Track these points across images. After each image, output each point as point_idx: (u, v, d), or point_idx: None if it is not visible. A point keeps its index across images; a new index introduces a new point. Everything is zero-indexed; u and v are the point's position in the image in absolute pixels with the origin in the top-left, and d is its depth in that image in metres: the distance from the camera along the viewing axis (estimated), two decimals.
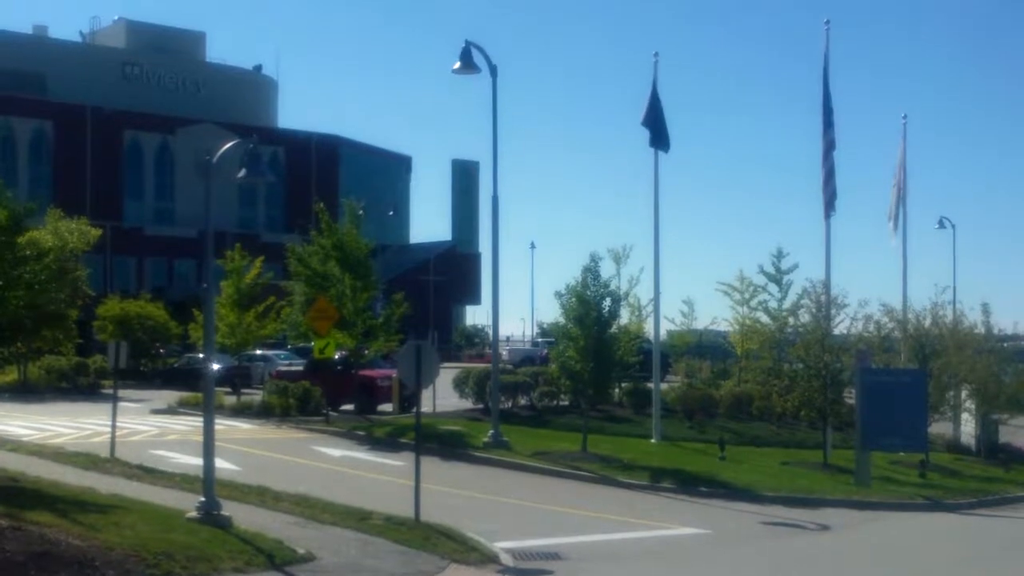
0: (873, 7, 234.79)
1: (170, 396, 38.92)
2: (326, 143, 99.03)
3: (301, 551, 14.25)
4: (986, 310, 37.56)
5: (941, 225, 52.32)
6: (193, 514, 15.42)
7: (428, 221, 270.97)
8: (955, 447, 37.39)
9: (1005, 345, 38.87)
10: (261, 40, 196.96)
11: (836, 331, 31.42)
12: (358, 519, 16.85)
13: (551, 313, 33.91)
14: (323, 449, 27.26)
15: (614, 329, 29.11)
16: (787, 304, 37.08)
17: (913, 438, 28.63)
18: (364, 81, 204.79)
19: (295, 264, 34.56)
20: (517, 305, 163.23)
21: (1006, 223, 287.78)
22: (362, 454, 26.94)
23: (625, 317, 36.86)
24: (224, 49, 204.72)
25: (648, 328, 37.34)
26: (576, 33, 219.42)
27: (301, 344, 42.93)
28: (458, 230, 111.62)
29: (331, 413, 33.58)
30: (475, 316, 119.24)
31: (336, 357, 35.34)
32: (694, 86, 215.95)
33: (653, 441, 31.31)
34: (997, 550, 19.94)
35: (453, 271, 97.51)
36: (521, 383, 35.26)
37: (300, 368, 40.01)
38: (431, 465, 22.36)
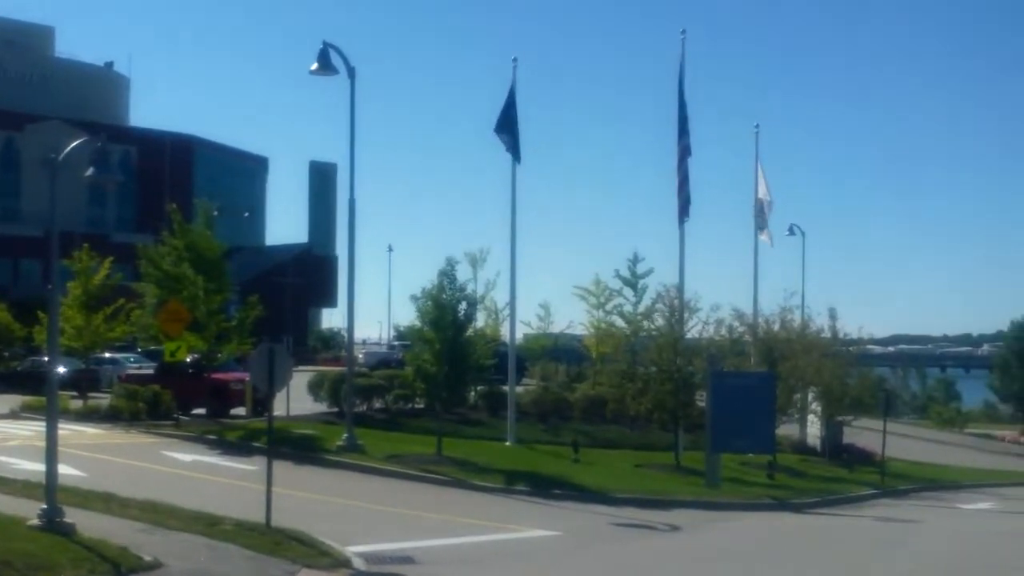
0: (728, 18, 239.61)
1: (13, 400, 37.73)
2: (180, 143, 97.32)
3: (148, 558, 13.92)
4: (833, 315, 38.64)
5: (791, 232, 53.44)
6: (35, 522, 14.95)
7: (285, 223, 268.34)
8: (802, 448, 38.36)
9: (850, 349, 39.93)
10: (114, 37, 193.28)
11: (689, 335, 31.98)
12: (207, 525, 16.53)
13: (407, 316, 33.81)
14: (173, 454, 26.73)
15: (470, 332, 29.15)
16: (642, 308, 37.60)
17: (762, 440, 29.28)
18: (221, 81, 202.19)
19: (146, 265, 33.88)
20: (374, 308, 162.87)
21: (853, 231, 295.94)
22: (213, 458, 26.48)
23: (481, 320, 37.06)
24: (75, 45, 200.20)
25: (504, 331, 37.53)
26: (436, 38, 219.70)
27: (152, 347, 42.08)
28: (315, 232, 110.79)
29: (182, 417, 32.96)
30: (332, 319, 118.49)
31: (188, 360, 34.69)
32: (553, 91, 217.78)
33: (508, 444, 31.42)
34: (837, 546, 20.44)
35: (310, 274, 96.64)
36: (376, 386, 35.06)
37: (150, 371, 39.15)
38: (284, 469, 22.09)
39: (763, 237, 42.27)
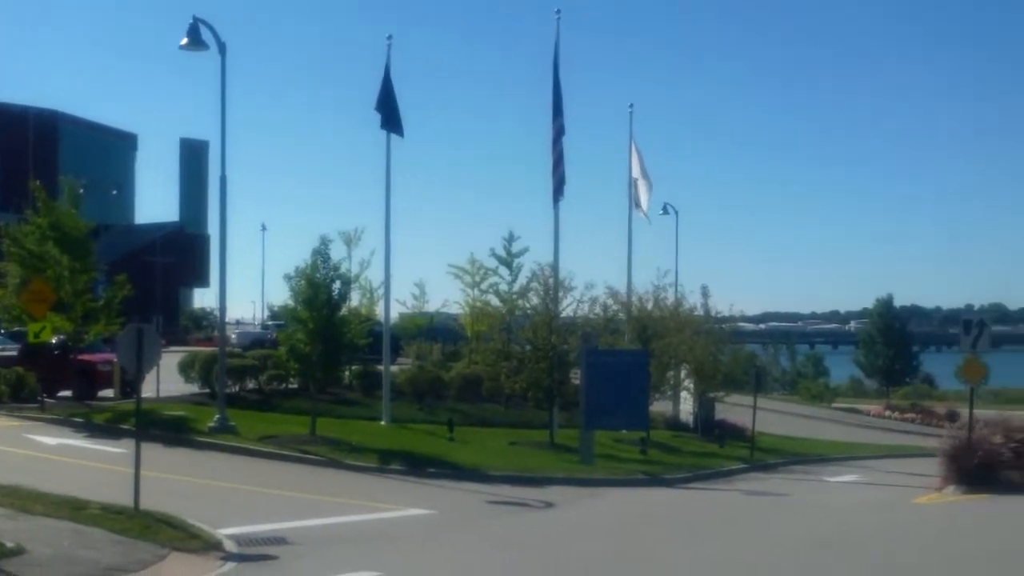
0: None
1: None
2: (44, 118, 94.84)
3: (10, 544, 13.53)
4: (705, 293, 39.25)
5: (665, 211, 54.00)
6: None
7: (156, 202, 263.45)
8: (675, 425, 38.88)
9: (723, 327, 40.57)
10: None
11: (564, 313, 32.11)
12: (73, 509, 16.14)
13: (281, 296, 33.42)
14: (37, 437, 26.04)
15: (344, 312, 28.93)
16: (517, 287, 37.70)
17: (635, 417, 29.56)
18: (89, 57, 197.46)
19: (9, 244, 32.90)
20: (248, 288, 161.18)
21: (725, 210, 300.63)
22: (80, 442, 25.88)
23: (356, 300, 36.78)
24: None
25: (379, 310, 37.28)
26: (310, 14, 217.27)
27: (16, 328, 40.92)
28: (186, 211, 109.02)
29: (47, 400, 32.12)
30: (204, 299, 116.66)
31: (53, 341, 33.82)
32: (429, 70, 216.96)
33: (383, 423, 31.28)
34: (706, 519, 20.77)
35: (181, 253, 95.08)
36: (249, 367, 34.57)
37: (14, 353, 38.09)
38: (153, 452, 21.71)
39: (640, 214, 42.63)
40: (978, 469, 26.27)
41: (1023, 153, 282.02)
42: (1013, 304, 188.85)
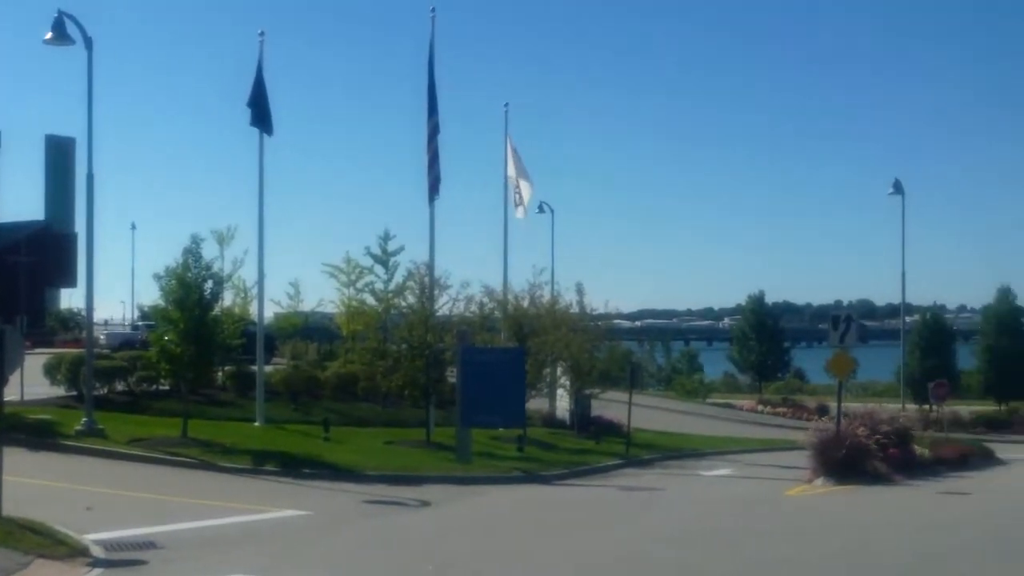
0: None
1: None
2: None
3: None
4: (580, 291, 39.47)
5: (541, 210, 54.20)
6: None
7: (20, 200, 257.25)
8: (551, 422, 39.04)
9: (598, 324, 40.84)
10: None
11: (440, 312, 32.02)
12: None
13: (152, 296, 32.79)
14: None
15: (216, 312, 28.46)
16: (393, 286, 37.45)
17: (512, 414, 29.60)
18: None
19: None
20: (117, 288, 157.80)
21: (602, 208, 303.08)
22: None
23: (229, 299, 36.12)
24: None
25: (253, 310, 36.77)
26: (181, 8, 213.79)
27: None
28: (52, 209, 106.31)
29: None
30: (71, 299, 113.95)
31: None
32: (304, 67, 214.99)
33: (257, 424, 30.91)
34: (582, 515, 20.88)
35: (47, 252, 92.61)
36: (119, 368, 33.84)
37: None
38: (17, 456, 21.08)
39: (518, 214, 42.68)
40: (846, 461, 26.89)
41: (888, 152, 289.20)
42: (880, 300, 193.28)
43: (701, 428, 46.51)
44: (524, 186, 42.50)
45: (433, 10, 33.01)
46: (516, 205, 42.49)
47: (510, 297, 38.12)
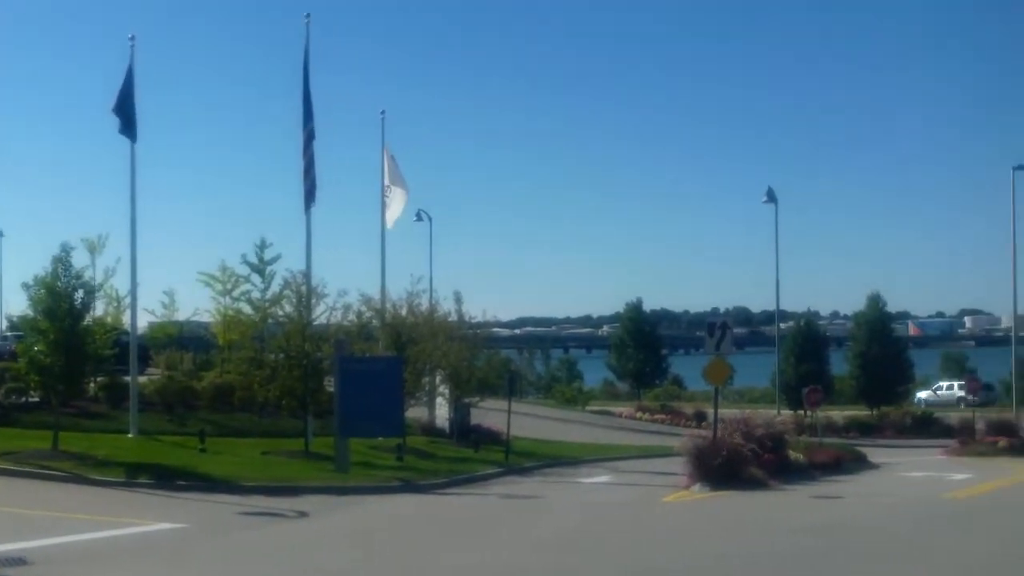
0: (355, 6, 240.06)
1: None
2: None
3: None
4: (458, 299, 39.47)
5: (419, 217, 54.18)
6: None
7: None
8: (431, 430, 38.98)
9: (477, 332, 40.90)
10: None
11: (317, 321, 31.82)
12: None
13: (20, 306, 32.02)
14: None
15: (88, 321, 27.92)
16: (270, 295, 37.00)
17: (390, 423, 29.49)
18: None
19: None
20: None
21: (482, 217, 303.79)
22: None
23: (101, 309, 35.54)
24: None
25: (126, 319, 36.08)
26: (51, 11, 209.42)
27: None
28: None
29: None
30: None
31: None
32: (178, 73, 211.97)
33: (130, 436, 30.34)
34: (460, 524, 20.83)
35: None
36: None
37: None
38: None
39: (388, 222, 42.46)
40: (722, 467, 27.20)
41: (764, 160, 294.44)
42: (756, 307, 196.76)
43: (580, 435, 46.76)
44: (398, 194, 42.25)
45: (307, 16, 32.83)
46: (388, 213, 42.21)
47: (388, 306, 38.01)
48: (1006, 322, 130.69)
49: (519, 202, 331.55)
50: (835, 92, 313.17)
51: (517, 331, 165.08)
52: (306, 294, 31.24)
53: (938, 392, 74.68)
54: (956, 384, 72.39)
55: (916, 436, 50.90)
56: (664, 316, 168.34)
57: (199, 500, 22.38)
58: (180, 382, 37.33)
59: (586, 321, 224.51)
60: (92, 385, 34.57)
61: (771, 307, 63.09)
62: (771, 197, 58.58)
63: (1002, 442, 43.43)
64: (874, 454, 39.12)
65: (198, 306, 46.57)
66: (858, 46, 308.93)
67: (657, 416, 59.54)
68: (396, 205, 42.22)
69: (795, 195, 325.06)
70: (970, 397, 59.81)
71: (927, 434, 51.01)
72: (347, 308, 33.24)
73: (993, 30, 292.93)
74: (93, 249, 32.61)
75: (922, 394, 74.93)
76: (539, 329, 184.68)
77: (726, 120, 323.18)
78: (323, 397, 30.97)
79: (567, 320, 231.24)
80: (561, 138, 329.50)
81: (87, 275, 28.10)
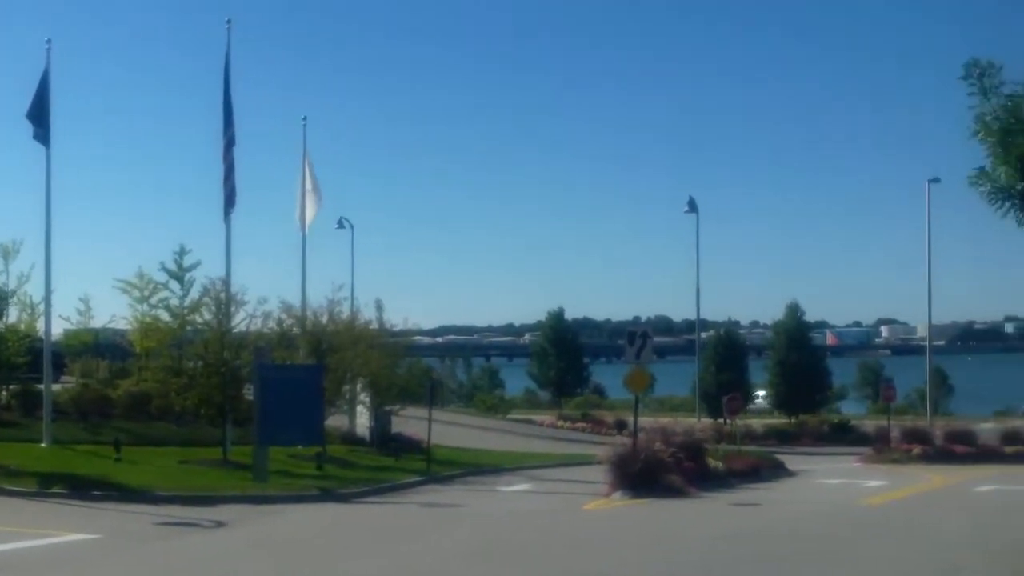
0: (277, 12, 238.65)
1: None
2: None
3: None
4: (380, 307, 39.31)
5: (340, 225, 53.91)
6: None
7: None
8: (351, 439, 38.77)
9: (399, 340, 40.77)
10: None
11: (236, 328, 31.52)
12: None
13: None
14: None
15: (0, 328, 27.43)
16: (188, 302, 36.60)
17: (310, 432, 29.31)
18: None
19: None
20: None
21: (403, 224, 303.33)
22: None
23: (14, 316, 34.98)
24: None
25: (40, 327, 35.47)
26: None
27: None
28: None
29: None
30: None
31: None
32: (96, 78, 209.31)
33: (44, 445, 29.81)
34: (379, 533, 20.72)
35: None
36: None
37: None
38: None
39: (306, 225, 42.07)
40: (642, 475, 27.33)
41: (682, 169, 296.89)
42: (677, 316, 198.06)
43: (502, 444, 46.74)
44: (311, 201, 41.91)
45: (229, 22, 32.64)
46: (302, 220, 41.83)
47: (309, 313, 37.75)
48: (921, 331, 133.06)
49: (442, 210, 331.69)
50: (756, 103, 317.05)
51: (439, 339, 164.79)
52: (225, 301, 30.93)
53: (757, 401, 75.78)
54: (762, 393, 72.97)
55: (833, 444, 51.45)
56: (586, 325, 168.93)
57: (114, 510, 22.05)
58: (95, 390, 36.77)
59: (508, 329, 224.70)
60: (4, 393, 33.96)
61: (692, 316, 63.45)
62: (692, 207, 59.00)
63: (916, 450, 44.10)
64: (792, 461, 39.50)
65: (115, 313, 45.97)
66: (778, 56, 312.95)
67: (578, 424, 59.64)
68: (310, 212, 41.90)
69: (716, 205, 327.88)
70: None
71: (844, 442, 51.60)
72: (267, 316, 32.97)
73: (913, 42, 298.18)
74: (7, 255, 32.08)
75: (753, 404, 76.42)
76: (461, 337, 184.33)
77: (648, 129, 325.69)
78: (242, 405, 30.67)
79: (489, 328, 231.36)
80: (484, 146, 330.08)
81: (0, 281, 27.62)
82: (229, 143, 31.89)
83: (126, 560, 16.70)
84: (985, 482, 32.55)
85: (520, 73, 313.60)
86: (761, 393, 71.10)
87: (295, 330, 36.56)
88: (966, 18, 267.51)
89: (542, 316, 77.62)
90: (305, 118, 42.87)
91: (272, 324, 33.65)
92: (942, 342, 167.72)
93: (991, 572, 15.97)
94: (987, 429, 49.41)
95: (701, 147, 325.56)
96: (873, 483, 32.72)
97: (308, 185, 41.78)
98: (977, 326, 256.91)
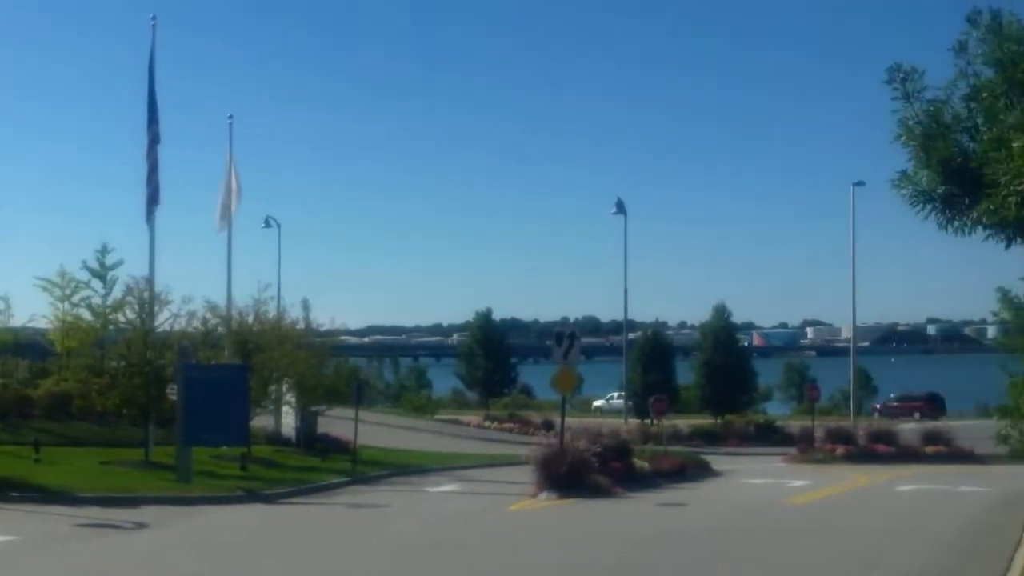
0: (205, 10, 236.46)
1: None
2: None
3: None
4: (306, 306, 39.04)
5: (267, 224, 53.61)
6: None
7: None
8: (277, 439, 38.47)
9: (326, 340, 40.54)
10: None
11: (160, 328, 31.17)
12: None
13: None
14: None
15: None
16: (111, 301, 36.13)
17: (235, 432, 29.05)
18: None
19: None
20: None
21: (331, 224, 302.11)
22: None
23: None
24: None
25: None
26: None
27: None
28: None
29: None
30: None
31: None
32: (13, 71, 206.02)
33: None
34: (304, 534, 20.56)
35: None
36: None
37: None
38: None
39: (221, 226, 41.62)
40: (568, 475, 27.35)
41: (615, 171, 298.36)
42: (605, 317, 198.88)
43: (429, 444, 46.63)
44: (235, 200, 41.53)
45: (154, 18, 32.33)
46: (221, 219, 41.39)
47: (234, 313, 37.39)
48: (846, 333, 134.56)
49: (369, 211, 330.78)
50: (683, 105, 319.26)
51: (366, 339, 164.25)
52: (149, 300, 30.57)
53: (610, 401, 76.70)
54: (616, 393, 74.32)
55: (759, 444, 51.93)
56: (514, 325, 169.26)
57: (32, 512, 21.72)
58: (14, 390, 36.11)
59: (436, 330, 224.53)
60: None
61: (620, 317, 63.70)
62: (620, 208, 59.30)
63: (840, 450, 44.62)
64: (718, 462, 39.77)
65: (35, 312, 45.21)
66: (705, 58, 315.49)
67: (505, 425, 59.71)
68: (233, 209, 41.48)
69: (645, 208, 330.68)
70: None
71: (769, 442, 52.08)
72: (192, 315, 32.58)
73: (842, 45, 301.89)
74: None
75: (598, 402, 78.75)
76: (388, 337, 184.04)
77: (577, 131, 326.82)
78: (165, 405, 30.30)
79: (417, 329, 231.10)
80: (412, 147, 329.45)
81: None
82: (153, 140, 31.54)
83: (45, 562, 16.45)
84: (906, 481, 32.99)
85: (446, 73, 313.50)
86: (616, 394, 72.54)
87: (220, 330, 36.17)
88: (893, 21, 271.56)
89: (470, 316, 77.51)
90: (231, 116, 42.64)
91: (197, 324, 33.26)
92: (866, 343, 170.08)
93: (909, 568, 16.17)
94: (909, 429, 50.13)
95: (630, 149, 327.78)
96: (797, 483, 33.03)
97: (233, 184, 41.41)
98: (901, 328, 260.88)
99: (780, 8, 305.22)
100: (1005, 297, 20.94)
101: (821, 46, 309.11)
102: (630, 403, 59.92)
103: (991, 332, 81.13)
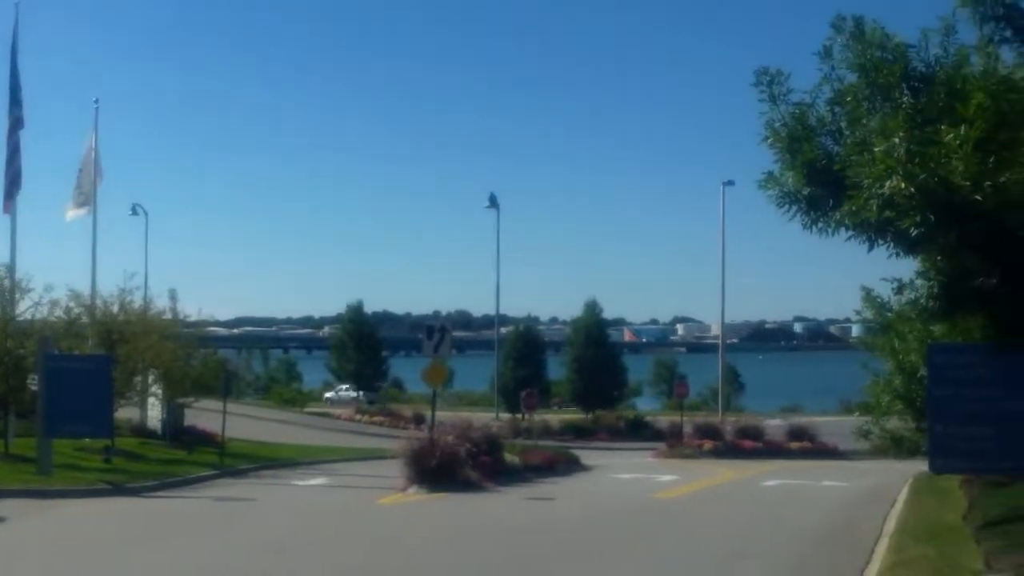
0: None
1: None
2: None
3: None
4: (173, 296, 38.43)
5: (134, 212, 52.62)
6: None
7: None
8: (142, 431, 37.85)
9: (193, 331, 39.96)
10: None
11: (21, 317, 30.46)
12: None
13: None
14: None
15: None
16: None
17: (99, 424, 28.46)
18: None
19: None
20: None
21: (200, 214, 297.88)
22: None
23: None
24: None
25: None
26: None
27: None
28: None
29: None
30: None
31: None
32: None
33: None
34: (169, 527, 20.24)
35: None
36: None
37: None
38: None
39: (81, 212, 40.45)
40: (438, 469, 27.34)
41: (484, 165, 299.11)
42: (477, 311, 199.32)
43: (299, 437, 46.28)
44: (97, 181, 40.47)
45: (17, 3, 31.66)
46: (79, 206, 40.24)
47: (99, 302, 36.62)
48: (715, 330, 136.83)
49: (242, 201, 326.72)
50: (557, 100, 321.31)
51: (236, 330, 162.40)
52: (10, 288, 29.82)
53: (339, 392, 77.50)
54: (346, 386, 75.20)
55: (629, 439, 52.51)
56: (386, 318, 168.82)
57: None
58: None
59: (307, 322, 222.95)
60: None
61: (492, 311, 63.87)
62: (493, 203, 59.47)
63: (707, 445, 45.37)
64: (587, 456, 40.07)
65: None
66: (583, 55, 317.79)
67: (376, 418, 59.57)
68: (85, 197, 40.31)
69: (519, 204, 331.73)
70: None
71: (639, 437, 52.70)
72: (54, 304, 31.88)
73: (709, 45, 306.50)
74: None
75: (328, 394, 79.87)
76: (259, 329, 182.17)
77: (450, 127, 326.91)
78: (25, 396, 29.64)
79: (288, 321, 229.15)
80: (284, 137, 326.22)
81: None
82: (15, 124, 30.79)
83: None
84: (772, 476, 33.61)
85: (322, 70, 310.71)
86: (344, 386, 73.20)
87: (84, 319, 35.40)
88: (767, 24, 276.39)
89: (342, 309, 77.12)
90: (97, 100, 41.61)
91: (59, 313, 32.53)
92: (735, 340, 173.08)
93: (776, 558, 16.47)
94: (774, 426, 51.12)
95: (503, 147, 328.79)
96: (665, 477, 33.45)
97: (95, 171, 40.37)
98: (768, 325, 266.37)
99: (653, 5, 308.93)
100: (868, 296, 21.56)
101: (693, 47, 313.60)
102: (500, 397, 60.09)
103: (855, 331, 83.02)
